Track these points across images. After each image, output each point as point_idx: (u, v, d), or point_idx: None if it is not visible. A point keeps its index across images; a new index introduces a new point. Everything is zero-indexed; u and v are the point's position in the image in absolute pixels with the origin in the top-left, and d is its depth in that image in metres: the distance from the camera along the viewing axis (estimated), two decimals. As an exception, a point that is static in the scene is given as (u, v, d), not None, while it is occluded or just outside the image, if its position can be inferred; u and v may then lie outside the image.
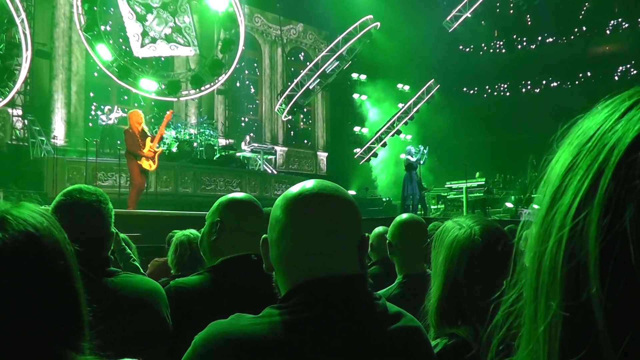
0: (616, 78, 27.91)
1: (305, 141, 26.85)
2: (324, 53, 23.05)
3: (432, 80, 25.81)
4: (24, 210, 0.96)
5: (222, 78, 19.60)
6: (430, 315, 1.79)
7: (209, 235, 2.31)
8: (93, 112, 18.96)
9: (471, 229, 1.78)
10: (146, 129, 11.59)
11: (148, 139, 11.26)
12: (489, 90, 30.91)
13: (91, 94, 19.38)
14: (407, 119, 25.35)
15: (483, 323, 1.66)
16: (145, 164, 11.07)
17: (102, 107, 18.11)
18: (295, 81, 22.87)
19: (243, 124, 24.02)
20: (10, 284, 0.89)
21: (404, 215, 3.13)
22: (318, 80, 23.22)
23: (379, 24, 22.74)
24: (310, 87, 23.07)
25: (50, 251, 0.94)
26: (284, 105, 23.01)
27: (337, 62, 23.31)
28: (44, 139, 15.96)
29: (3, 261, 0.89)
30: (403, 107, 25.49)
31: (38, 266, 0.92)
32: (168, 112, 13.50)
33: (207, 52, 19.49)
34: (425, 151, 16.26)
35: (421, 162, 15.92)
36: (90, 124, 18.67)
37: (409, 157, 15.59)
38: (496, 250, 1.74)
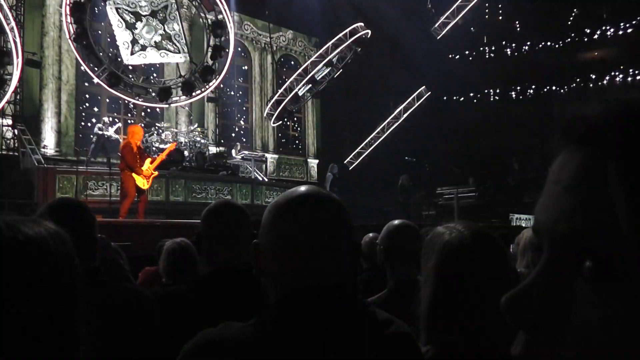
0: (605, 84, 28.02)
1: (296, 147, 26.84)
2: (312, 59, 23.04)
3: (423, 87, 25.87)
4: (26, 221, 0.94)
5: (213, 84, 19.57)
6: (421, 320, 1.77)
7: (197, 249, 2.32)
8: (83, 123, 18.91)
9: (462, 234, 1.77)
10: (142, 146, 11.85)
11: (148, 160, 11.52)
12: (479, 96, 30.97)
13: (81, 107, 19.35)
14: (396, 124, 25.41)
15: (475, 329, 1.66)
16: (140, 182, 11.21)
17: (102, 119, 18.07)
18: (284, 86, 22.86)
19: (234, 134, 23.99)
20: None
21: (397, 221, 3.12)
22: (309, 86, 23.25)
23: (369, 32, 22.71)
24: (300, 93, 23.06)
25: (36, 260, 0.92)
26: (273, 111, 22.96)
27: (328, 70, 23.33)
28: (34, 148, 15.89)
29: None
30: (393, 112, 25.56)
31: (20, 273, 0.90)
32: (172, 144, 13.80)
33: (198, 59, 19.47)
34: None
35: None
36: (81, 135, 18.61)
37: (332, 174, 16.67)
38: (488, 256, 1.74)
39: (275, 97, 22.88)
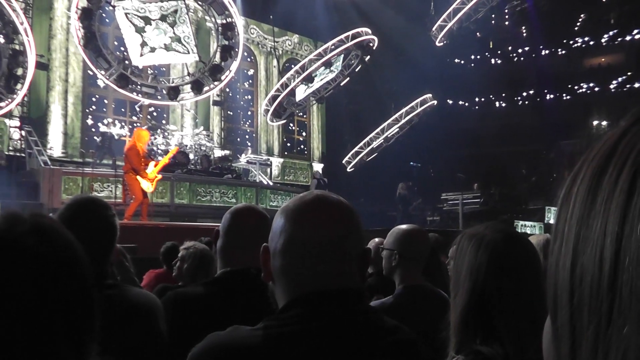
0: (612, 90, 27.87)
1: (301, 151, 26.84)
2: (310, 56, 23.01)
3: (429, 95, 25.72)
4: (47, 219, 0.95)
5: (224, 80, 19.57)
6: (453, 329, 1.70)
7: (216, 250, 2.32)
8: (90, 125, 19.00)
9: (496, 237, 1.70)
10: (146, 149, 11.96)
11: (152, 164, 11.56)
12: (484, 102, 30.92)
13: (88, 109, 19.42)
14: (396, 127, 25.28)
15: (514, 340, 1.57)
16: (144, 185, 11.22)
17: (104, 121, 18.15)
18: (280, 82, 22.81)
19: (239, 137, 24.03)
20: (49, 292, 0.86)
21: (405, 226, 3.08)
22: (312, 89, 23.25)
23: (375, 38, 22.58)
24: (299, 93, 23.04)
25: (82, 260, 0.93)
26: (269, 107, 22.86)
27: (333, 76, 23.33)
28: (40, 149, 15.95)
29: (47, 269, 0.87)
30: (395, 115, 25.44)
31: (73, 275, 0.91)
32: (175, 147, 13.84)
33: (205, 61, 19.50)
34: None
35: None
36: (87, 137, 18.68)
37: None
38: (524, 260, 1.68)
39: (271, 93, 22.85)
